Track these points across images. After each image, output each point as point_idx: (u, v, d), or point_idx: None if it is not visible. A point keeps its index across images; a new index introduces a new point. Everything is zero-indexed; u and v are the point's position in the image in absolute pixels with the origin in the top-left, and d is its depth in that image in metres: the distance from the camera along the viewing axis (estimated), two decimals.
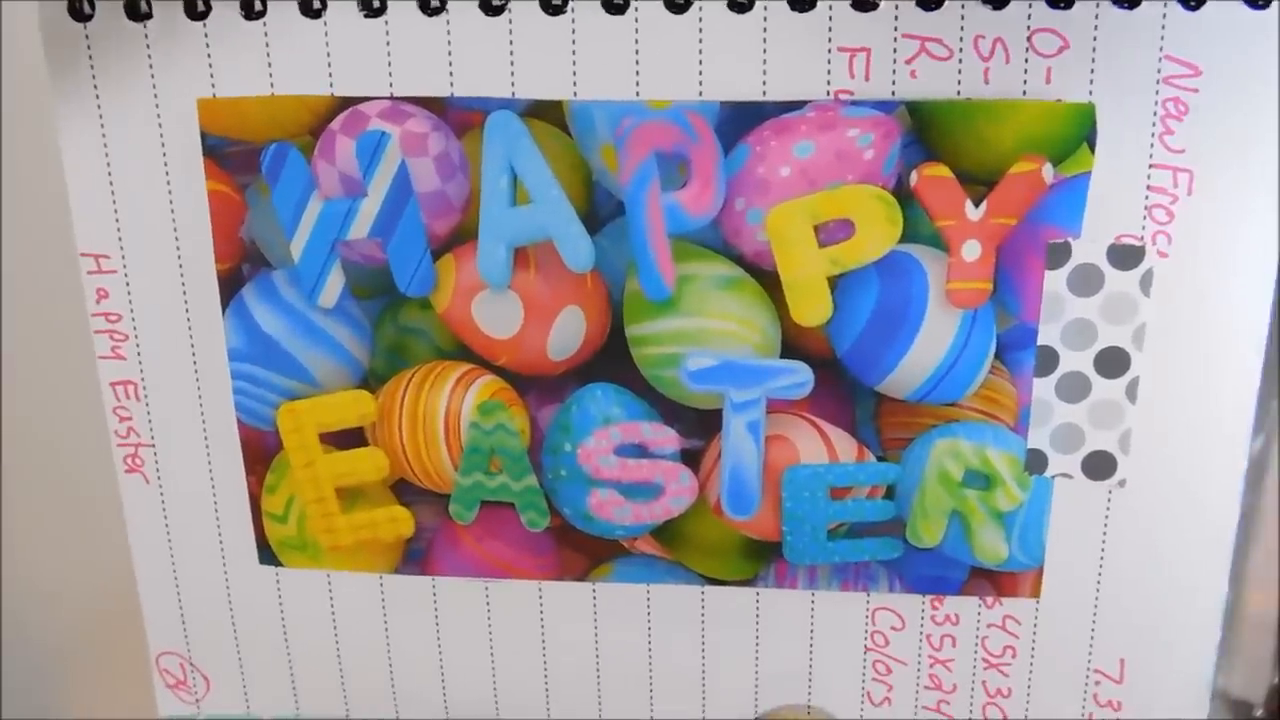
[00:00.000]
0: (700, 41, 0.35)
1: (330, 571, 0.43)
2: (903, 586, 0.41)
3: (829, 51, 0.35)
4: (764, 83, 0.36)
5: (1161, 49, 0.34)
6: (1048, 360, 0.38)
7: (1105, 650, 0.41)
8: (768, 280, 0.37)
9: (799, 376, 0.38)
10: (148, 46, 0.37)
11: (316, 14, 0.36)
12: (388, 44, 0.36)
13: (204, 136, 0.38)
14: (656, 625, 0.42)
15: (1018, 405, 0.38)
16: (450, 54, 0.36)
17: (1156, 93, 0.35)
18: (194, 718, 0.45)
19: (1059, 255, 0.36)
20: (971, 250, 0.36)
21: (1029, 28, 0.34)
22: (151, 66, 0.37)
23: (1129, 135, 0.35)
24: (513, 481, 0.40)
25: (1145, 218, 0.36)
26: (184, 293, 0.40)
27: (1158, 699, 0.42)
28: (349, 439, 0.40)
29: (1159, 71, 0.35)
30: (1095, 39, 0.34)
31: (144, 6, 0.37)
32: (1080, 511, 0.39)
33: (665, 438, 0.39)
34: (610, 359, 0.39)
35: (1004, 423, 0.38)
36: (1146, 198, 0.36)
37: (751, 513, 0.39)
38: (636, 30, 0.35)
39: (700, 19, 0.35)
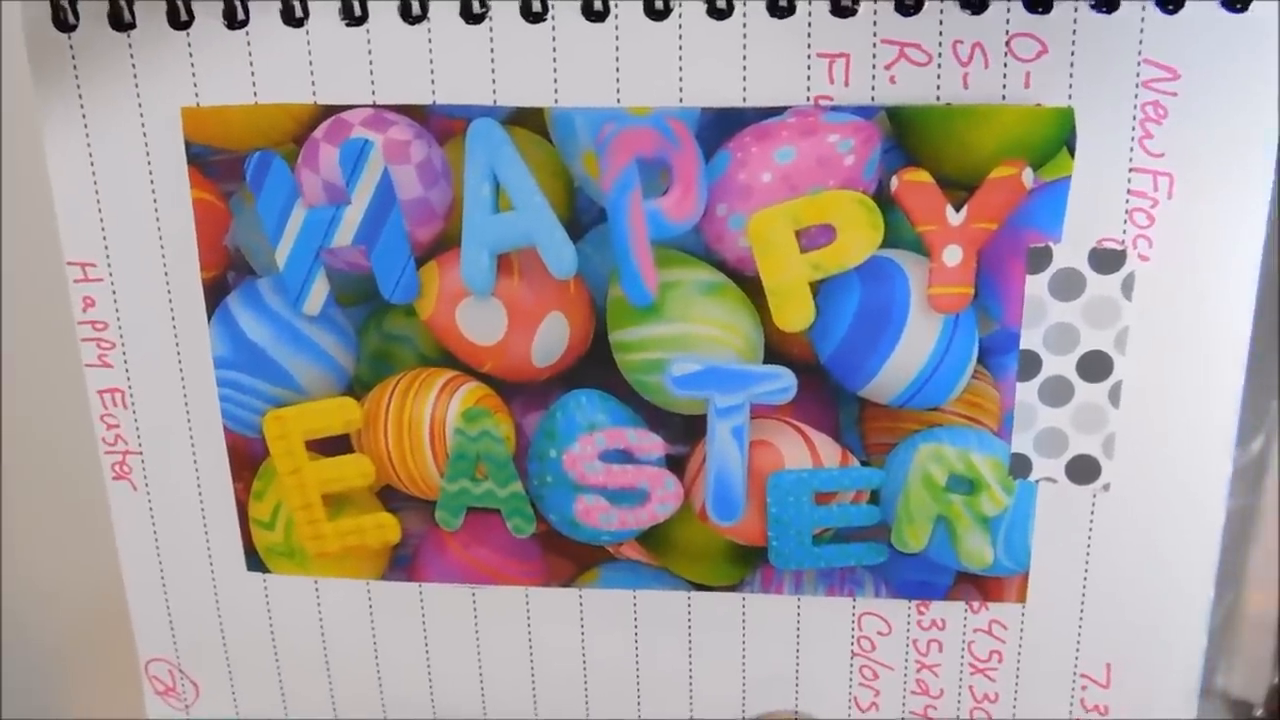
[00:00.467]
0: (680, 48, 0.36)
1: (318, 578, 0.43)
2: (888, 591, 0.41)
3: (808, 57, 0.35)
4: (744, 89, 0.36)
5: (1140, 53, 0.34)
6: (1030, 364, 0.37)
7: (1091, 654, 0.41)
8: (750, 286, 0.37)
9: (782, 382, 0.38)
10: (131, 56, 0.37)
11: (299, 23, 0.36)
12: (369, 52, 0.37)
13: (188, 145, 0.38)
14: (643, 631, 0.42)
15: (1001, 410, 0.38)
16: (432, 62, 0.36)
17: (1136, 96, 0.35)
18: None
19: (1040, 259, 0.36)
20: (953, 255, 0.36)
21: (1008, 32, 0.34)
22: (135, 75, 0.37)
23: (1108, 139, 0.35)
24: (498, 488, 0.40)
25: (1126, 221, 0.36)
26: (170, 301, 0.40)
27: (1145, 703, 0.41)
28: (335, 446, 0.40)
29: (1138, 75, 0.35)
30: (1074, 43, 0.34)
31: (127, 16, 0.37)
32: (1065, 516, 0.39)
33: (650, 443, 0.39)
34: (594, 365, 0.39)
35: (987, 427, 0.38)
36: (1127, 201, 0.36)
37: (737, 518, 0.39)
38: (617, 37, 0.36)
39: (680, 25, 0.35)
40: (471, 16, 0.36)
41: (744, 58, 0.36)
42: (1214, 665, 0.44)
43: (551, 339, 0.38)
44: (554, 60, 0.36)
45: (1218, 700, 0.44)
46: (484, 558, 0.42)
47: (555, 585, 0.42)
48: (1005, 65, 0.35)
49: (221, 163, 0.38)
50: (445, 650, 0.43)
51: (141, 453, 0.42)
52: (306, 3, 0.36)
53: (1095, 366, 0.37)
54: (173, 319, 0.40)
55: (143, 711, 0.46)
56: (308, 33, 0.36)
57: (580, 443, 0.39)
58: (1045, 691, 0.42)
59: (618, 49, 0.36)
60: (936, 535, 0.39)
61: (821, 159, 0.36)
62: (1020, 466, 0.39)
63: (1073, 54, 0.35)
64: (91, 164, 0.39)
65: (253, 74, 0.37)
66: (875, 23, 0.35)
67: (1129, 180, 0.36)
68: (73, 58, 0.37)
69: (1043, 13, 0.34)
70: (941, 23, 0.35)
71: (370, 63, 0.37)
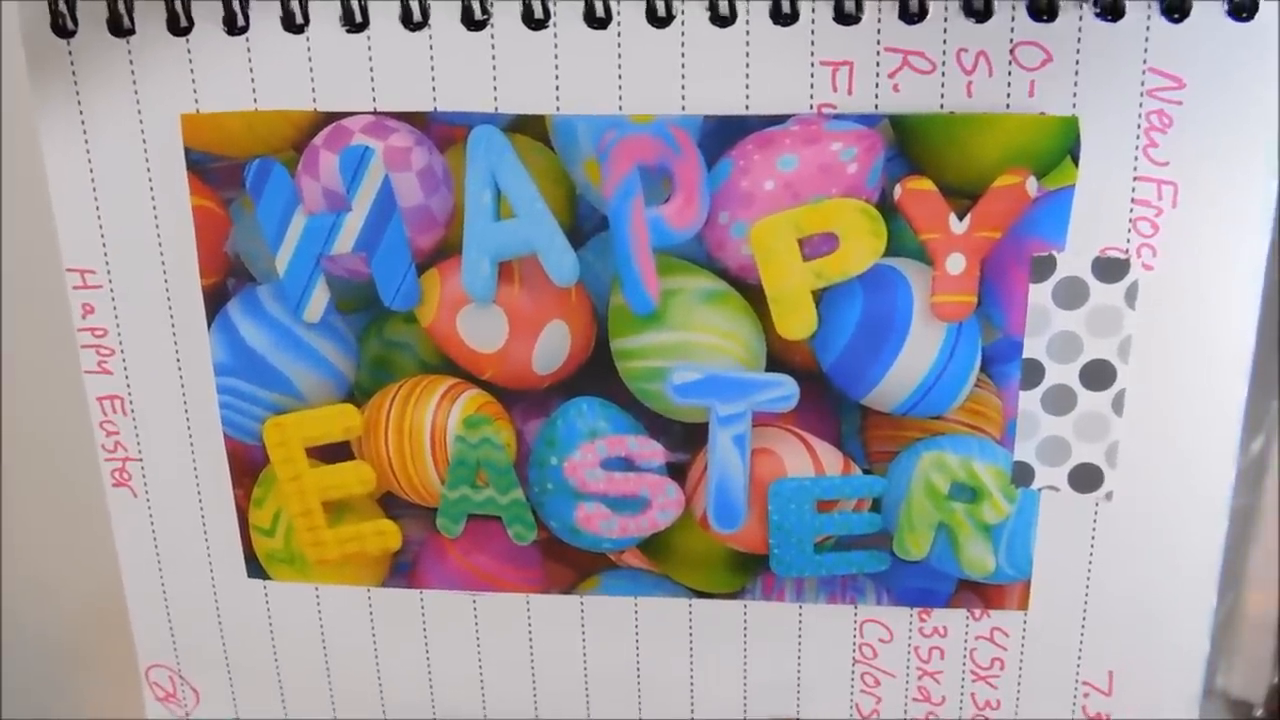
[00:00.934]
0: (683, 55, 0.35)
1: (318, 585, 0.43)
2: (890, 599, 0.41)
3: (812, 65, 0.35)
4: (747, 96, 0.36)
5: (1145, 61, 0.34)
6: (1033, 373, 0.37)
7: (1093, 662, 0.41)
8: (752, 294, 0.37)
9: (784, 390, 0.37)
10: (130, 62, 0.37)
11: (299, 29, 0.36)
12: (370, 59, 0.36)
13: (188, 152, 0.38)
14: (644, 638, 0.42)
15: (1004, 418, 0.38)
16: (433, 68, 0.36)
17: (1140, 105, 0.35)
18: None
19: (1044, 268, 0.36)
20: (956, 263, 0.36)
21: (1012, 41, 0.34)
22: (135, 82, 0.37)
23: (1113, 148, 0.35)
24: (499, 495, 0.40)
25: (1130, 230, 0.36)
26: (169, 308, 0.40)
27: (1147, 710, 0.41)
28: (335, 453, 0.40)
29: (1142, 84, 0.34)
30: (1078, 51, 0.34)
31: (126, 22, 0.37)
32: (1067, 524, 0.39)
33: (651, 451, 0.39)
34: (596, 373, 0.39)
35: (990, 435, 0.38)
36: (1131, 210, 0.36)
37: (738, 526, 0.39)
38: (619, 44, 0.35)
39: (682, 33, 0.35)
40: (473, 23, 0.36)
41: (747, 65, 0.35)
42: (1214, 665, 0.44)
43: (553, 346, 0.38)
44: (556, 67, 0.36)
45: (1218, 700, 0.44)
46: (484, 565, 0.41)
47: (556, 592, 0.42)
48: (1009, 73, 0.35)
49: (221, 169, 0.38)
50: (446, 657, 0.43)
51: (141, 459, 0.42)
52: (307, 9, 0.36)
53: (1098, 375, 0.37)
54: (172, 326, 0.40)
55: (143, 716, 0.45)
56: (308, 39, 0.36)
57: (581, 450, 0.39)
58: (1047, 698, 0.42)
59: (620, 56, 0.35)
60: (938, 543, 0.39)
61: (824, 167, 0.36)
62: (1023, 475, 0.38)
63: (1077, 62, 0.34)
64: (91, 170, 0.38)
65: (253, 80, 0.37)
66: (879, 30, 0.35)
67: (1133, 189, 0.35)
68: (71, 64, 0.37)
69: (1047, 21, 0.34)
70: (945, 31, 0.34)
71: (371, 69, 0.36)
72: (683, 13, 0.35)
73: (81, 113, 0.38)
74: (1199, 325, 0.37)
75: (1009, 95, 0.35)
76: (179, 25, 0.37)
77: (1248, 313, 0.36)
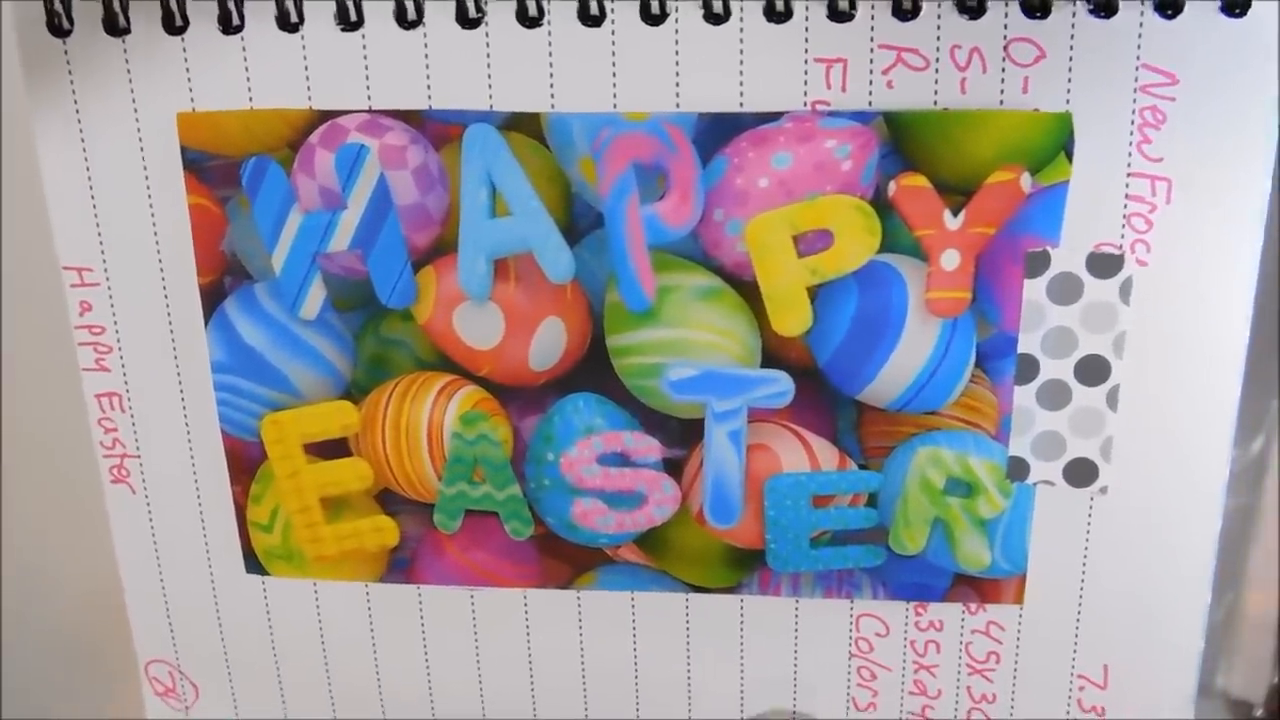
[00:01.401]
0: (677, 53, 0.35)
1: (316, 581, 0.43)
2: (886, 593, 0.41)
3: (805, 62, 0.35)
4: (741, 94, 0.36)
5: (1139, 58, 0.34)
6: (1028, 368, 0.37)
7: (1089, 656, 0.41)
8: (748, 291, 0.37)
9: (780, 386, 0.37)
10: (126, 61, 0.37)
11: (294, 28, 0.36)
12: (365, 57, 0.36)
13: (184, 150, 0.38)
14: (641, 633, 0.42)
15: (999, 413, 0.38)
16: (428, 67, 0.36)
17: (1134, 101, 0.35)
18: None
19: (1038, 264, 0.36)
20: (950, 259, 0.36)
21: (1005, 37, 0.34)
22: (130, 81, 0.37)
23: (1107, 144, 0.35)
24: (496, 491, 0.40)
25: (1124, 226, 0.36)
26: (167, 306, 0.40)
27: (1142, 704, 0.41)
28: (332, 449, 0.40)
29: (1136, 80, 0.34)
30: (1072, 48, 0.34)
31: (122, 21, 0.37)
32: (1062, 518, 0.39)
33: (647, 447, 0.39)
34: (592, 369, 0.39)
35: (985, 431, 0.38)
36: (1125, 206, 0.36)
37: (734, 521, 0.39)
38: (613, 42, 0.35)
39: (676, 30, 0.35)
40: (467, 21, 0.36)
41: (741, 63, 0.35)
42: (1214, 665, 0.44)
43: (549, 343, 0.38)
44: (550, 65, 0.36)
45: (1218, 700, 0.44)
46: (482, 560, 0.41)
47: (553, 588, 0.42)
48: (1003, 70, 0.35)
49: (217, 168, 0.38)
50: (444, 653, 0.43)
51: (139, 456, 0.42)
52: (301, 8, 0.36)
53: (1093, 370, 0.37)
54: (170, 324, 0.40)
55: (143, 712, 0.46)
56: (303, 38, 0.36)
57: (578, 446, 0.39)
58: (1043, 692, 0.42)
59: (614, 54, 0.35)
60: (934, 538, 0.39)
61: (819, 164, 0.35)
62: (1018, 470, 0.38)
63: (1071, 59, 0.34)
64: (87, 169, 0.38)
65: (248, 79, 0.37)
66: (873, 27, 0.35)
67: (1127, 185, 0.35)
68: (68, 63, 0.37)
69: (1041, 18, 0.34)
70: (939, 27, 0.34)
71: (366, 68, 0.36)
72: (677, 10, 0.35)
73: (78, 111, 0.38)
74: (1193, 321, 0.37)
75: (1003, 92, 0.35)
76: (174, 24, 0.37)
77: (1242, 308, 0.36)
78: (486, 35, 0.36)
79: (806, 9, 0.35)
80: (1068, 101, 0.35)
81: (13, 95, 0.38)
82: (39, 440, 0.44)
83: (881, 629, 0.42)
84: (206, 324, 0.39)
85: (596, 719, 0.44)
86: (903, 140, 0.36)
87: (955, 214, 0.35)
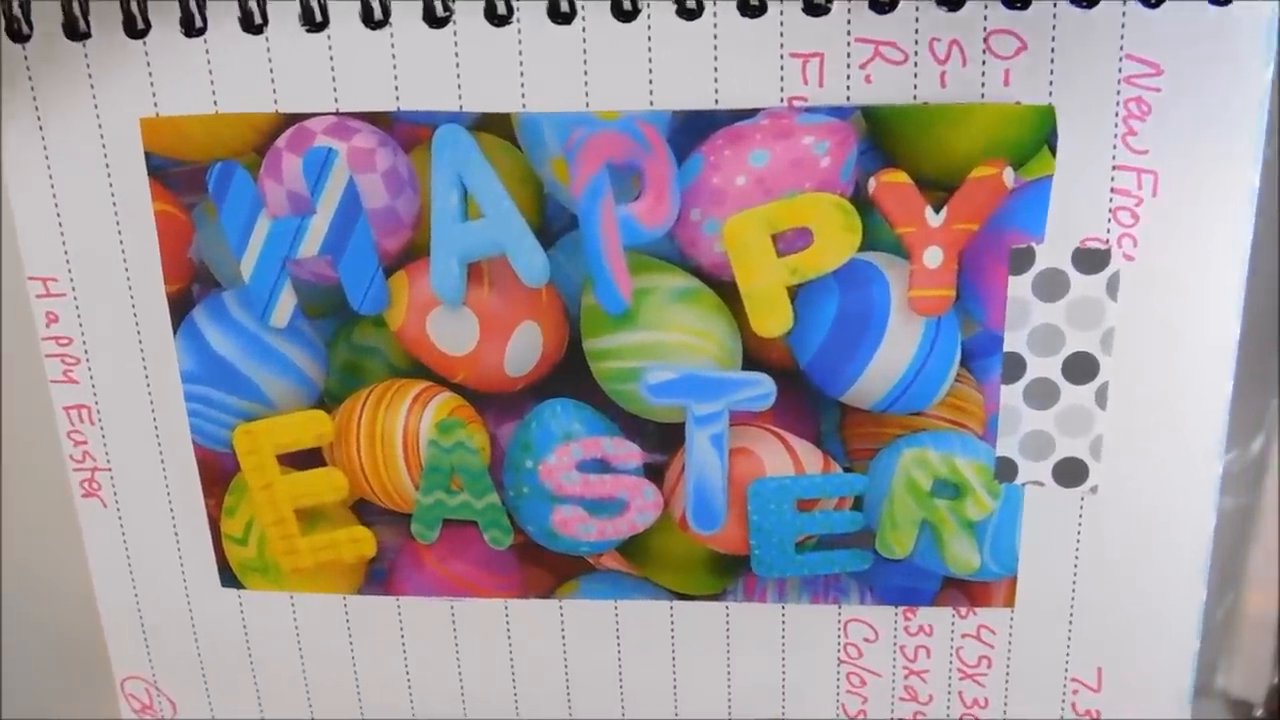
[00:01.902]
0: (649, 50, 0.35)
1: (293, 594, 0.42)
2: (874, 598, 0.40)
3: (781, 58, 0.34)
4: (716, 90, 0.35)
5: (1122, 48, 0.33)
6: (1015, 367, 0.37)
7: (1082, 658, 0.40)
8: (726, 291, 0.36)
9: (761, 389, 0.37)
10: (88, 66, 0.36)
11: (258, 30, 0.35)
12: (331, 59, 0.36)
13: (148, 156, 0.37)
14: (626, 642, 0.42)
15: (985, 413, 0.37)
16: (395, 68, 0.35)
17: (1118, 93, 0.34)
18: None
19: (1023, 260, 0.36)
20: (933, 257, 0.35)
21: (985, 30, 0.34)
22: (93, 86, 0.36)
23: (1091, 137, 0.34)
24: (474, 500, 0.39)
25: (1110, 220, 0.35)
26: (134, 315, 0.39)
27: (1137, 706, 0.41)
28: (307, 460, 0.40)
29: (1120, 71, 0.34)
30: (1054, 39, 0.34)
31: (82, 25, 0.36)
32: (1052, 519, 0.38)
33: (628, 452, 0.38)
34: (569, 374, 0.38)
35: (972, 431, 0.38)
36: (1110, 200, 0.35)
37: (718, 527, 0.38)
38: (584, 40, 0.35)
39: (649, 27, 0.34)
40: (434, 20, 0.35)
41: (715, 59, 0.35)
42: (1214, 665, 0.43)
43: (524, 348, 0.37)
44: (520, 64, 0.35)
45: (1218, 700, 0.44)
46: (461, 571, 0.41)
47: (534, 597, 0.41)
48: (984, 63, 0.34)
49: (183, 174, 0.37)
50: (425, 666, 0.43)
51: (110, 469, 0.41)
52: (265, 9, 0.35)
53: (1081, 368, 0.37)
54: (138, 333, 0.39)
55: None
56: (267, 40, 0.36)
57: (556, 453, 0.38)
58: (1035, 696, 0.41)
59: (585, 52, 0.35)
60: (922, 540, 0.38)
61: (796, 161, 0.35)
62: (1006, 470, 0.38)
63: (1053, 50, 0.34)
64: (50, 177, 0.38)
65: (212, 83, 0.36)
66: (849, 21, 0.34)
67: (1112, 178, 0.35)
68: (28, 69, 0.36)
69: (1021, 9, 0.33)
70: (918, 20, 0.34)
71: (332, 69, 0.36)
72: (649, 6, 0.34)
73: (39, 119, 0.37)
74: (1183, 315, 0.36)
75: (984, 85, 0.34)
76: (136, 27, 0.36)
77: (1233, 301, 0.36)
78: (455, 34, 0.35)
79: (781, 3, 0.34)
80: (1050, 94, 0.34)
81: None
82: (8, 453, 0.43)
83: (870, 634, 0.41)
84: (175, 333, 0.39)
85: None
86: (882, 136, 0.35)
87: (937, 210, 0.35)
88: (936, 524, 0.38)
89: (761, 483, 0.38)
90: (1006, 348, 0.37)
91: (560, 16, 0.35)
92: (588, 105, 0.35)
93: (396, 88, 0.36)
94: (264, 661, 0.44)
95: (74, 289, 0.39)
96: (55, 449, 0.41)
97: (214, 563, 0.42)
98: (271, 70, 0.36)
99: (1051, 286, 0.36)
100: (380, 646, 0.43)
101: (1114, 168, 0.35)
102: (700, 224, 0.36)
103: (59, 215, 0.38)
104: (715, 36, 0.34)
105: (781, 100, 0.35)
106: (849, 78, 0.34)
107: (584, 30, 0.35)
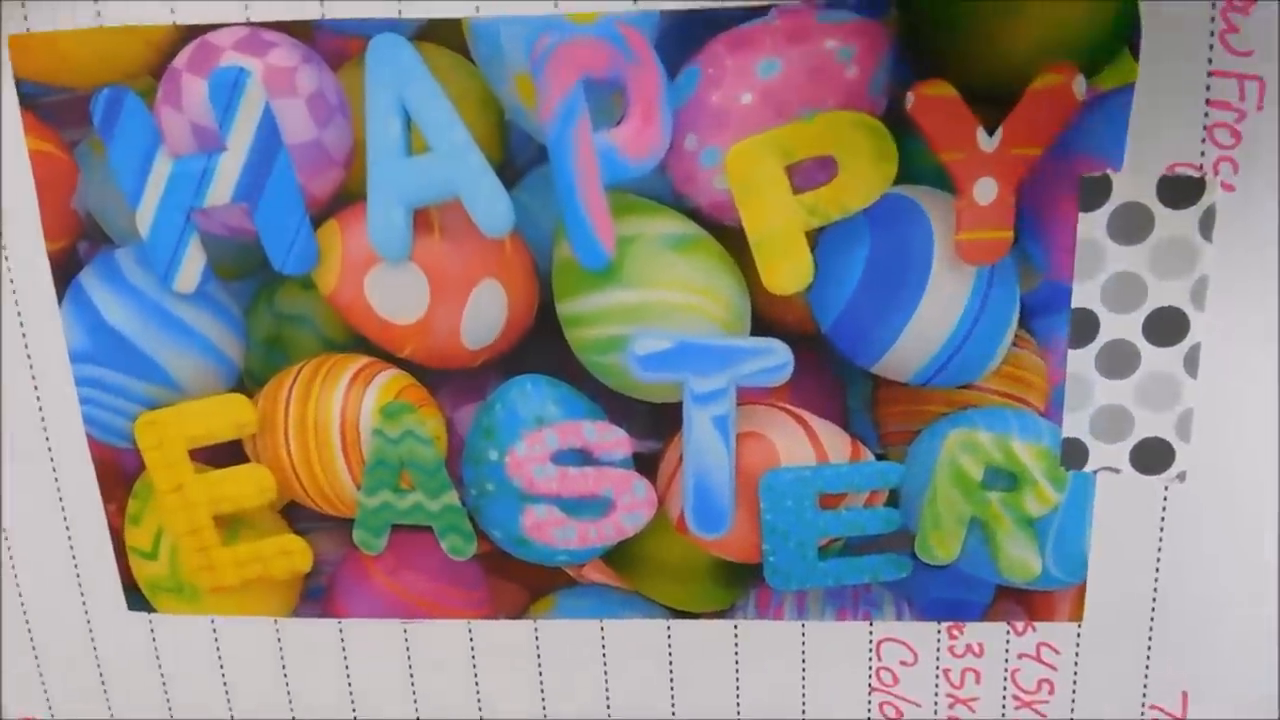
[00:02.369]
0: None
1: (214, 617, 0.39)
2: (913, 613, 0.37)
3: None
4: None
5: None
6: (1085, 326, 0.34)
7: (1163, 681, 0.37)
8: (731, 238, 0.33)
9: (776, 358, 0.34)
10: None
11: None
12: None
13: (19, 83, 0.34)
14: (613, 667, 0.39)
15: (1049, 384, 0.35)
16: None
17: None
18: None
19: (1096, 192, 0.32)
20: (986, 190, 0.32)
21: None
22: None
23: (1182, 34, 0.31)
24: (428, 500, 0.36)
25: (1204, 141, 0.32)
26: (10, 281, 0.36)
27: None
28: (225, 455, 0.37)
29: None
30: None
31: None
32: (1130, 513, 0.35)
33: (613, 440, 0.36)
34: (540, 345, 0.35)
35: (1032, 406, 0.35)
36: (1206, 115, 0.32)
37: (723, 529, 0.35)
38: None
39: None
40: None
41: None
42: None
43: (485, 313, 0.34)
44: None
45: None
46: (416, 586, 0.38)
47: (504, 617, 0.38)
48: None
49: (61, 104, 0.34)
50: (373, 699, 0.40)
51: None
52: None
53: (1166, 326, 0.33)
54: (16, 303, 0.36)
55: None
56: None
57: (526, 441, 0.35)
58: None
59: None
60: (970, 542, 0.36)
61: (815, 71, 0.31)
62: (1074, 454, 0.35)
63: None
64: None
65: None
66: None
67: (1208, 88, 0.31)
68: None
69: None
70: None
71: None
72: None
73: None
74: None
75: None
76: None
77: None
78: None
79: None
80: None
81: None
82: None
83: (908, 656, 0.38)
84: (60, 302, 0.36)
85: None
86: (922, 37, 0.32)
87: (990, 131, 0.31)
88: (988, 522, 0.35)
89: (776, 474, 0.35)
90: (1075, 303, 0.34)
91: None
92: (557, 5, 0.32)
93: None
94: (181, 696, 0.40)
95: None
96: None
97: (118, 582, 0.38)
98: None
99: (1131, 225, 0.33)
100: (320, 677, 0.40)
101: (1210, 74, 0.31)
102: (697, 154, 0.32)
103: None
104: None
105: None
106: None
107: None
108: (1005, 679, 0.38)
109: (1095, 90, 0.31)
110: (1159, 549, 0.36)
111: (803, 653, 0.38)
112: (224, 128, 0.33)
